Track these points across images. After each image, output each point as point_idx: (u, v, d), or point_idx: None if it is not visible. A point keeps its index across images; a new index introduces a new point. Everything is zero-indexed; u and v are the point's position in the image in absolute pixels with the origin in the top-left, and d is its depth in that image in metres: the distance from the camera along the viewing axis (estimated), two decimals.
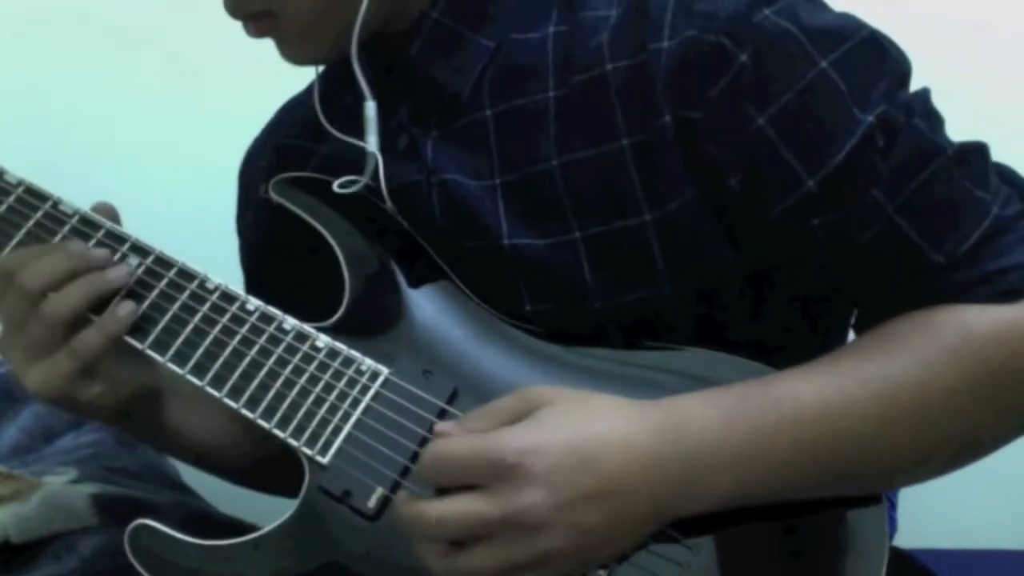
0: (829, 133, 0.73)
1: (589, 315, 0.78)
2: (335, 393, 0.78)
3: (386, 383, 0.78)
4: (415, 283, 0.83)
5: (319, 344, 0.80)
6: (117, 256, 0.82)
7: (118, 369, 0.81)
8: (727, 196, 0.75)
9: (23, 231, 0.83)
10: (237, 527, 1.02)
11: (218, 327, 0.80)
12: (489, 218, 0.80)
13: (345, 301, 0.82)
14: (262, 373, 0.79)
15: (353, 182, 0.85)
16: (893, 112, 0.73)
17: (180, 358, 0.80)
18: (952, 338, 0.71)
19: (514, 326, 0.81)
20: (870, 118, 0.72)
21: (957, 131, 0.76)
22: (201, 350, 0.80)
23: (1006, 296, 0.71)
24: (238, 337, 0.80)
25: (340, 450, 0.77)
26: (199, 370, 0.80)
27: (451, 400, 0.77)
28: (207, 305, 0.81)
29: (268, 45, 0.84)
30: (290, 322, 0.81)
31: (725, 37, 0.74)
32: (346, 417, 0.78)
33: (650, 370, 0.78)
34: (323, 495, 0.77)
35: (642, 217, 0.77)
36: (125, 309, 0.80)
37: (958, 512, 1.42)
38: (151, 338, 0.81)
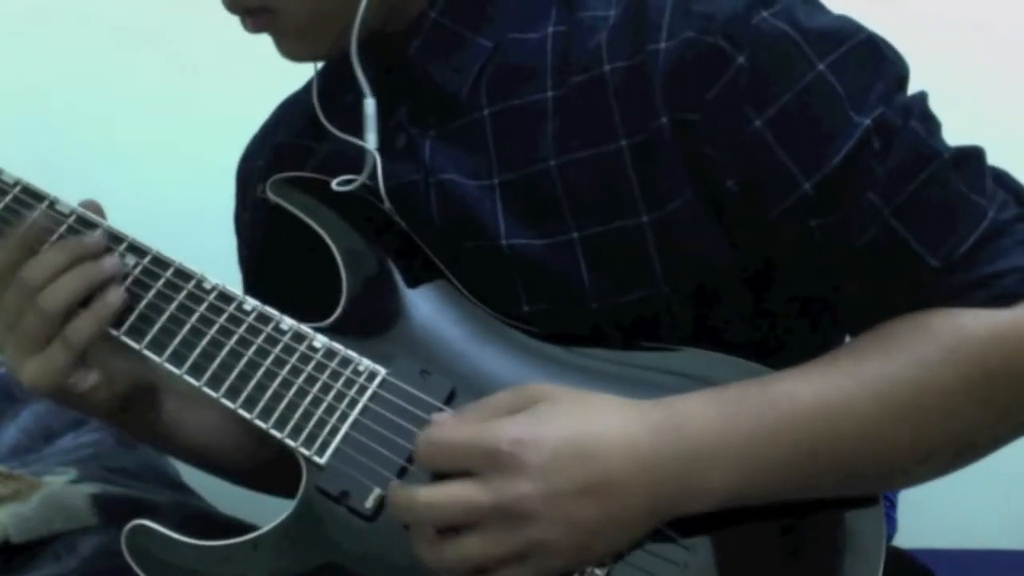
0: (826, 135, 0.73)
1: (587, 315, 0.78)
2: (332, 393, 0.78)
3: (384, 383, 0.78)
4: (413, 283, 0.83)
5: (316, 344, 0.80)
6: (114, 256, 0.82)
7: (115, 364, 0.81)
8: (724, 197, 0.75)
9: (20, 231, 0.83)
10: (237, 527, 1.02)
11: (215, 327, 0.80)
12: (487, 218, 0.80)
13: (342, 301, 0.82)
14: (259, 373, 0.79)
15: (351, 181, 0.85)
16: (890, 115, 0.73)
17: (177, 358, 0.80)
18: (949, 340, 0.71)
19: (512, 326, 0.81)
20: (867, 121, 0.72)
21: (956, 132, 0.76)
22: (198, 350, 0.80)
23: (1002, 300, 0.71)
24: (235, 337, 0.80)
25: (337, 450, 0.77)
26: (196, 370, 0.80)
27: (449, 400, 0.77)
28: (204, 305, 0.81)
29: (268, 45, 0.84)
30: (287, 322, 0.81)
31: (723, 39, 0.74)
32: (343, 417, 0.78)
33: (648, 370, 0.78)
34: (321, 495, 0.77)
35: (640, 218, 0.77)
36: (114, 294, 0.79)
37: (958, 512, 1.42)
38: (148, 338, 0.81)
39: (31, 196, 0.85)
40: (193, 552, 0.78)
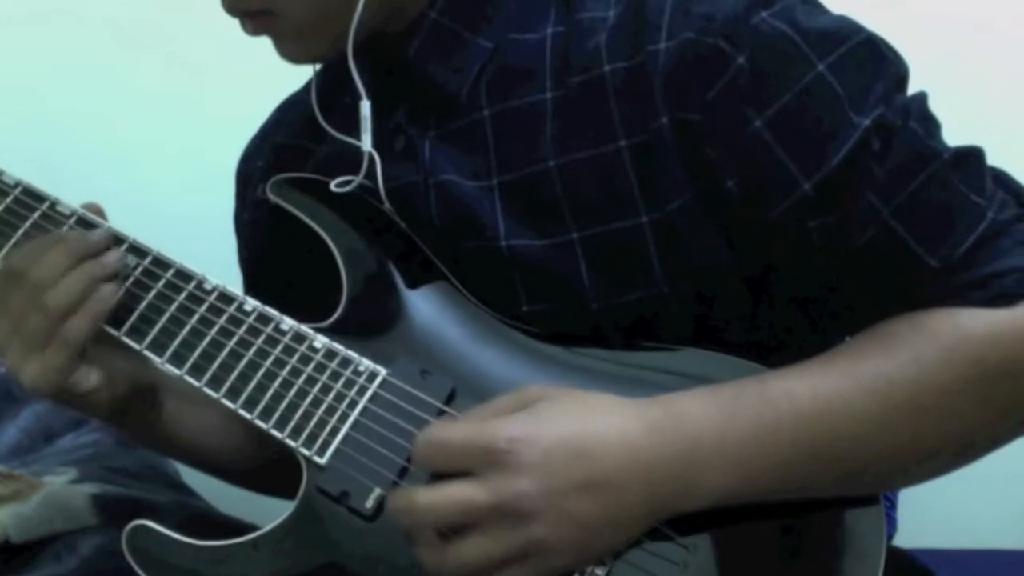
0: (825, 136, 0.73)
1: (587, 315, 0.78)
2: (333, 394, 0.78)
3: (384, 384, 0.78)
4: (413, 284, 0.83)
5: (317, 345, 0.80)
6: (122, 257, 0.82)
7: (116, 365, 0.81)
8: (724, 198, 0.75)
9: (20, 232, 0.84)
10: (237, 527, 1.02)
11: (216, 328, 0.80)
12: (486, 219, 0.81)
13: (343, 302, 0.82)
14: (260, 374, 0.79)
15: (349, 181, 0.85)
16: (889, 116, 0.73)
17: (178, 359, 0.80)
18: (947, 340, 0.71)
19: (512, 326, 0.81)
20: (866, 121, 0.72)
21: (956, 132, 0.76)
22: (199, 351, 0.80)
23: (1001, 300, 0.71)
24: (236, 338, 0.80)
25: (338, 451, 0.77)
26: (197, 371, 0.80)
27: (449, 400, 0.78)
28: (205, 306, 0.81)
29: (268, 45, 0.84)
30: (288, 323, 0.81)
31: (722, 39, 0.74)
32: (344, 418, 0.78)
33: (648, 370, 0.78)
34: (321, 495, 0.77)
35: (639, 218, 0.77)
36: (108, 289, 0.79)
37: (958, 512, 1.41)
38: (149, 339, 0.81)
39: (32, 198, 0.85)
40: (194, 552, 0.78)
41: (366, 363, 0.79)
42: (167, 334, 0.81)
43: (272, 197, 0.86)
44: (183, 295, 0.81)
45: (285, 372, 0.79)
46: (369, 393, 0.78)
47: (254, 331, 0.80)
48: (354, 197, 0.85)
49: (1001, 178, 0.76)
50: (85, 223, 0.83)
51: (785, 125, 0.73)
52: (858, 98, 0.73)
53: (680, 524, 0.72)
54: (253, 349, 0.80)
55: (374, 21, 0.82)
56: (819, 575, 0.75)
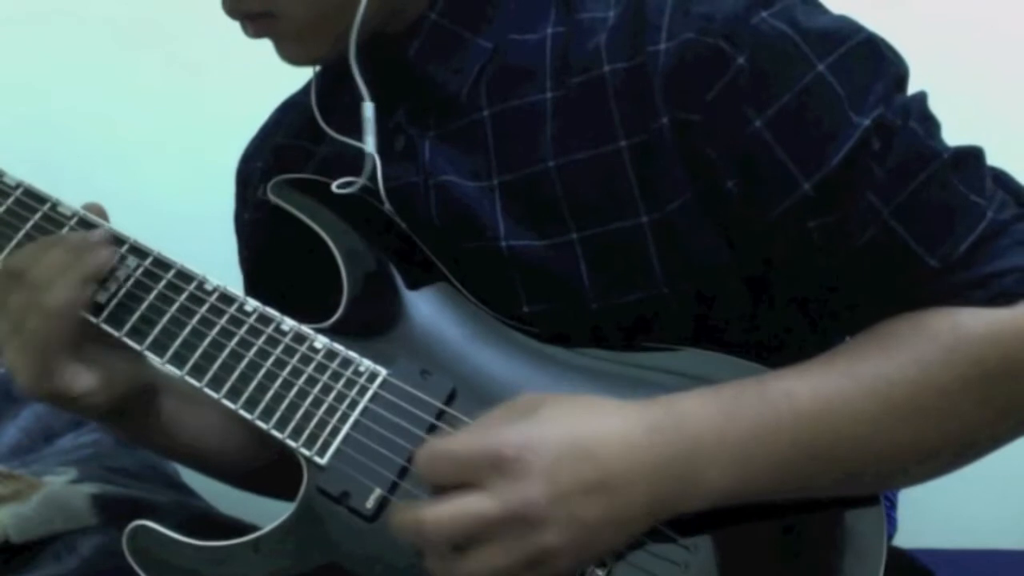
0: (825, 136, 0.73)
1: (587, 316, 0.79)
2: (333, 394, 0.78)
3: (384, 384, 0.78)
4: (413, 284, 0.83)
5: (317, 345, 0.80)
6: (116, 257, 0.82)
7: (114, 364, 0.81)
8: (724, 198, 0.75)
9: (22, 233, 0.84)
10: (237, 527, 1.02)
11: (216, 328, 0.80)
12: (486, 219, 0.81)
13: (343, 302, 0.82)
14: (260, 374, 0.79)
15: (351, 183, 0.85)
16: (889, 116, 0.73)
17: (178, 359, 0.80)
18: (947, 340, 0.71)
19: (512, 327, 0.81)
20: (866, 121, 0.72)
21: (956, 132, 0.76)
22: (199, 351, 0.80)
23: (1001, 299, 0.71)
24: (236, 338, 0.80)
25: (338, 451, 0.77)
26: (197, 371, 0.80)
27: (449, 401, 0.78)
28: (205, 307, 0.81)
29: (268, 45, 0.84)
30: (288, 323, 0.81)
31: (722, 39, 0.74)
32: (344, 418, 0.78)
33: (648, 370, 0.78)
34: (321, 496, 0.77)
35: (639, 218, 0.77)
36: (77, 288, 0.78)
37: (958, 512, 1.41)
38: (149, 339, 0.81)
39: (33, 199, 0.85)
40: (194, 552, 0.78)
41: (366, 363, 0.79)
42: (168, 335, 0.81)
43: (272, 198, 0.86)
44: (184, 296, 0.81)
45: (286, 372, 0.79)
46: (369, 393, 0.78)
47: (255, 332, 0.80)
48: (354, 198, 0.85)
49: (1001, 178, 0.76)
50: (86, 224, 0.84)
51: (785, 125, 0.73)
52: (858, 98, 0.73)
53: (681, 524, 0.72)
54: (254, 350, 0.80)
55: (374, 22, 0.82)
56: (819, 575, 0.75)
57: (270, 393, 0.79)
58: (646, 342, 0.79)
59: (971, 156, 0.75)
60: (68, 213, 0.84)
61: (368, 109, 0.83)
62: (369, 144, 0.84)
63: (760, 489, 0.71)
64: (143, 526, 0.79)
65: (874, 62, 0.75)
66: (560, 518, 0.66)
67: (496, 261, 0.80)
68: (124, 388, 0.82)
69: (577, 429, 0.69)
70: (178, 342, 0.80)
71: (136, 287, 0.82)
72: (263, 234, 0.97)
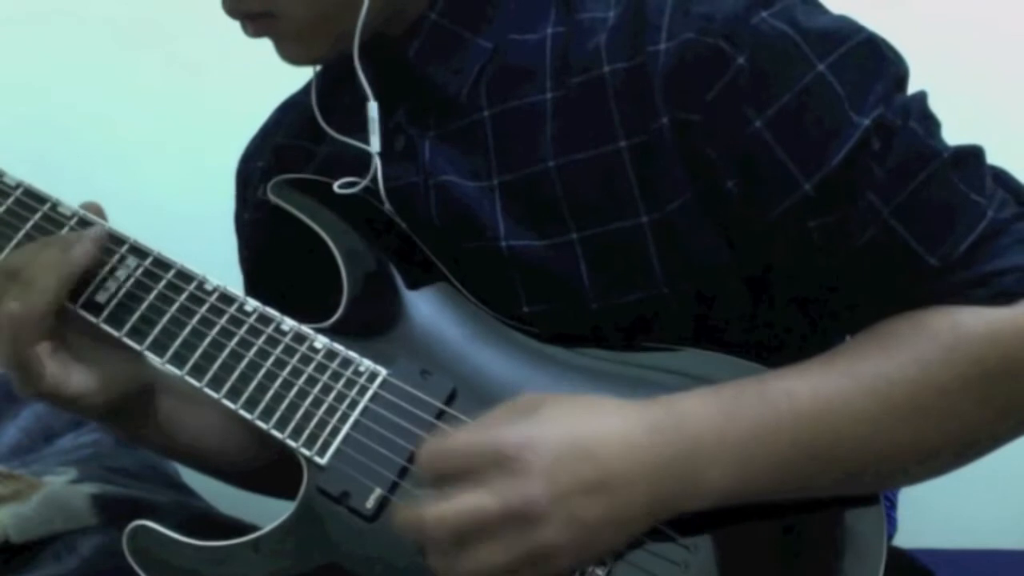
0: (826, 136, 0.73)
1: (587, 316, 0.79)
2: (333, 394, 0.79)
3: (384, 384, 0.78)
4: (413, 284, 0.83)
5: (317, 345, 0.80)
6: (116, 257, 0.82)
7: (113, 364, 0.82)
8: (724, 198, 0.75)
9: (21, 233, 0.84)
10: (237, 527, 1.02)
11: (216, 328, 0.81)
12: (486, 219, 0.81)
13: (343, 302, 0.82)
14: (260, 374, 0.79)
15: (353, 183, 0.85)
16: (889, 115, 0.73)
17: (178, 359, 0.80)
18: (947, 339, 0.71)
19: (512, 327, 0.81)
20: (866, 121, 0.72)
21: (956, 132, 0.76)
22: (199, 351, 0.80)
23: (1001, 298, 0.71)
24: (236, 338, 0.80)
25: (338, 451, 0.77)
26: (197, 371, 0.80)
27: (449, 401, 0.78)
28: (205, 307, 0.81)
29: (268, 45, 0.84)
30: (288, 323, 0.81)
31: (723, 39, 0.74)
32: (344, 418, 0.78)
33: (648, 370, 0.78)
34: (321, 496, 0.77)
35: (639, 218, 0.77)
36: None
37: (958, 512, 1.41)
38: (149, 339, 0.81)
39: (33, 199, 0.85)
40: (194, 553, 0.78)
41: (366, 363, 0.79)
42: (168, 335, 0.81)
43: (273, 198, 0.87)
44: (184, 296, 0.81)
45: (285, 372, 0.79)
46: (369, 393, 0.78)
47: (255, 332, 0.80)
48: (355, 198, 0.85)
49: (1001, 177, 0.76)
50: (86, 224, 0.84)
51: (785, 125, 0.73)
52: (858, 98, 0.73)
53: (681, 524, 0.72)
54: (254, 350, 0.80)
55: (375, 22, 0.82)
56: (819, 575, 0.75)
57: (270, 393, 0.79)
58: (646, 342, 0.79)
59: (971, 155, 0.75)
60: (68, 213, 0.84)
61: (372, 109, 0.84)
62: (374, 144, 0.84)
63: (760, 489, 0.71)
64: (143, 526, 0.79)
65: (874, 62, 0.75)
66: (560, 516, 0.67)
67: (496, 261, 0.80)
68: (123, 388, 0.83)
69: (577, 429, 0.69)
70: (178, 342, 0.80)
71: (136, 287, 0.82)
72: (263, 234, 0.97)
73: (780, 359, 0.75)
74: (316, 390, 0.79)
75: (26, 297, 0.77)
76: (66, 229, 0.83)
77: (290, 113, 0.99)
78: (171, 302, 0.81)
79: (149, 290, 0.82)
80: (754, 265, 0.78)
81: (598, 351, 0.79)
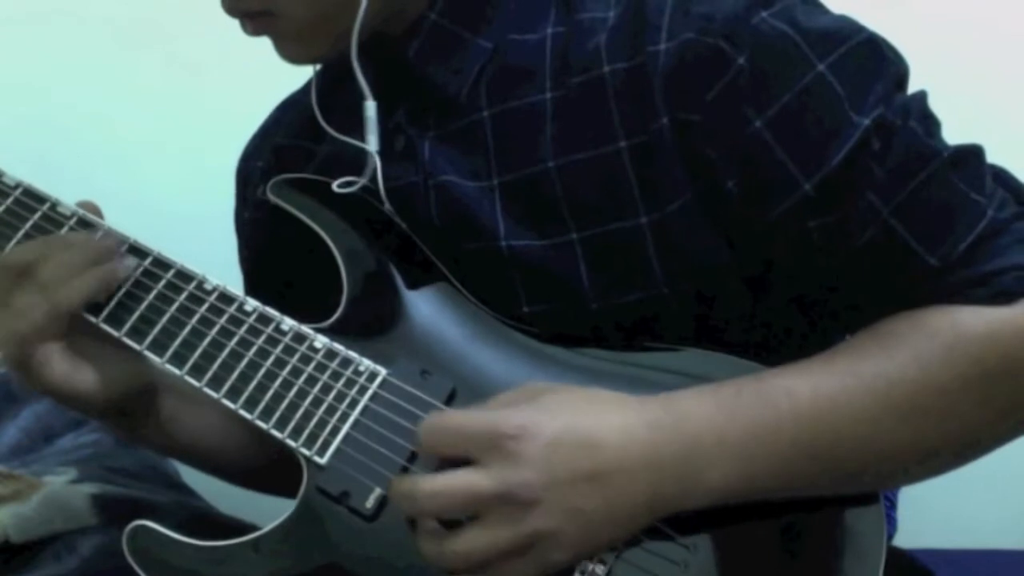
0: (826, 136, 0.73)
1: (587, 316, 0.79)
2: (333, 394, 0.78)
3: (384, 384, 0.78)
4: (413, 284, 0.83)
5: (317, 345, 0.80)
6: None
7: (114, 364, 0.81)
8: (724, 198, 0.75)
9: (21, 233, 0.84)
10: (237, 527, 1.02)
11: (216, 328, 0.80)
12: (486, 219, 0.81)
13: (343, 302, 0.82)
14: (260, 374, 0.79)
15: (352, 183, 0.85)
16: (889, 115, 0.73)
17: (178, 359, 0.80)
18: (947, 338, 0.71)
19: (512, 327, 0.81)
20: (866, 121, 0.72)
21: (956, 132, 0.76)
22: (199, 351, 0.80)
23: (1001, 297, 0.71)
24: (236, 338, 0.80)
25: (338, 451, 0.77)
26: (197, 371, 0.80)
27: (449, 400, 0.78)
28: (205, 306, 0.81)
29: (268, 45, 0.84)
30: (288, 323, 0.81)
31: (723, 40, 0.74)
32: (344, 418, 0.78)
33: (649, 370, 0.78)
34: (321, 496, 0.77)
35: (639, 219, 0.77)
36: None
37: (958, 512, 1.41)
38: (149, 339, 0.81)
39: (32, 199, 0.85)
40: (194, 552, 0.78)
41: (366, 363, 0.79)
42: (167, 334, 0.81)
43: (272, 198, 0.86)
44: (183, 295, 0.81)
45: (285, 372, 0.79)
46: (369, 393, 0.78)
47: (254, 331, 0.80)
48: (354, 198, 0.85)
49: (1001, 176, 0.76)
50: (85, 224, 0.84)
51: (785, 125, 0.73)
52: (858, 98, 0.73)
53: (680, 523, 0.72)
54: (253, 349, 0.80)
55: (374, 22, 0.82)
56: (819, 575, 0.75)
57: (270, 393, 0.79)
58: (646, 342, 0.79)
59: (971, 155, 0.75)
60: (67, 213, 0.84)
61: (370, 108, 0.84)
62: (372, 143, 0.84)
63: (760, 488, 0.71)
64: (143, 526, 0.79)
65: (874, 62, 0.75)
66: (554, 503, 0.67)
67: (496, 261, 0.80)
68: (125, 387, 0.82)
69: (578, 419, 0.69)
70: (178, 342, 0.80)
71: (136, 287, 0.82)
72: (263, 234, 0.97)
73: (780, 359, 0.75)
74: (316, 390, 0.79)
75: (51, 296, 0.77)
76: (65, 229, 0.83)
77: (290, 112, 0.99)
78: (171, 302, 0.81)
79: (149, 290, 0.81)
80: (754, 265, 0.78)
81: (598, 351, 0.79)
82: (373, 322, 0.82)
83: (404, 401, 0.78)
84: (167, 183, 1.52)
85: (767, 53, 0.73)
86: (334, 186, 0.85)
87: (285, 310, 0.81)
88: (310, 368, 0.79)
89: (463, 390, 0.78)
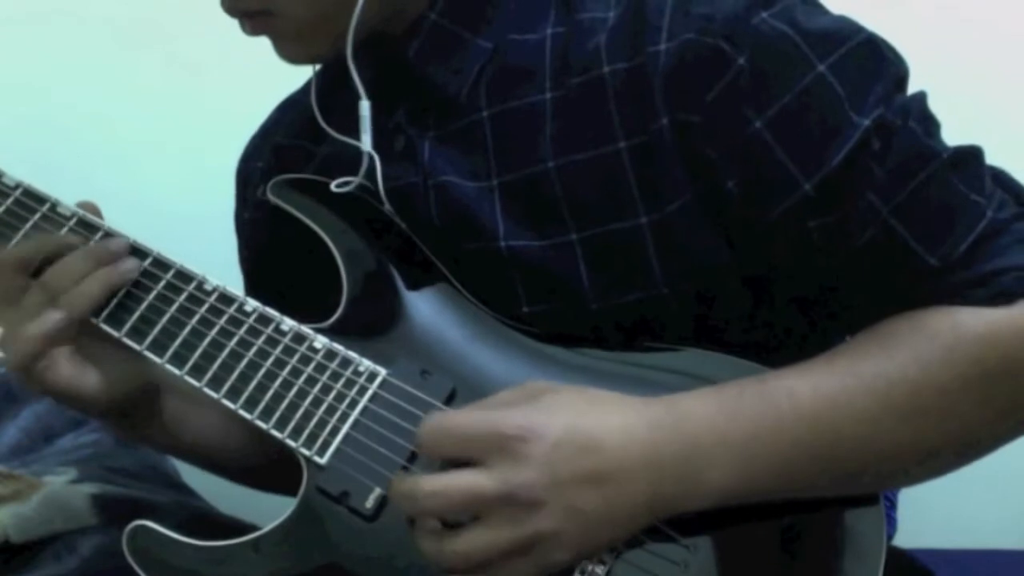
0: (826, 136, 0.73)
1: (586, 316, 0.79)
2: (333, 394, 0.79)
3: (384, 384, 0.78)
4: (413, 284, 0.83)
5: (317, 345, 0.80)
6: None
7: (117, 364, 0.82)
8: (724, 198, 0.75)
9: (21, 233, 0.84)
10: (237, 527, 1.02)
11: (216, 328, 0.81)
12: (486, 220, 0.81)
13: (343, 302, 0.82)
14: (260, 374, 0.79)
15: (348, 182, 0.85)
16: (889, 116, 0.73)
17: (178, 359, 0.80)
18: (947, 339, 0.71)
19: (512, 327, 0.81)
20: (866, 122, 0.72)
21: (956, 132, 0.76)
22: (199, 351, 0.80)
23: (1000, 298, 0.71)
24: (236, 338, 0.80)
25: (338, 451, 0.77)
26: (197, 371, 0.80)
27: (449, 401, 0.78)
28: (205, 307, 0.81)
29: (268, 45, 0.84)
30: (288, 323, 0.81)
31: (723, 40, 0.74)
32: (344, 418, 0.78)
33: (649, 370, 0.78)
34: (321, 495, 0.77)
35: (638, 219, 0.77)
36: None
37: (958, 512, 1.41)
38: (149, 339, 0.81)
39: (32, 199, 0.85)
40: (194, 552, 0.78)
41: (366, 363, 0.79)
42: (167, 335, 0.81)
43: (272, 198, 0.87)
44: (183, 296, 0.81)
45: (285, 372, 0.79)
46: (369, 393, 0.78)
47: (254, 332, 0.80)
48: (354, 198, 0.85)
49: (1000, 177, 0.76)
50: (85, 225, 0.84)
51: (785, 126, 0.73)
52: (858, 98, 0.73)
53: (680, 524, 0.72)
54: (253, 350, 0.80)
55: (374, 22, 0.82)
56: (819, 575, 0.75)
57: (270, 393, 0.79)
58: (646, 342, 0.79)
59: (970, 156, 0.75)
60: (67, 214, 0.84)
61: (364, 108, 0.83)
62: (366, 143, 0.84)
63: (762, 488, 0.71)
64: (143, 526, 0.79)
65: (874, 62, 0.74)
66: (556, 504, 0.67)
67: (496, 261, 0.80)
68: (127, 387, 0.83)
69: (579, 419, 0.69)
70: (178, 342, 0.80)
71: (136, 287, 0.82)
72: (263, 234, 0.97)
73: (780, 359, 0.75)
74: (316, 390, 0.79)
75: (63, 301, 0.78)
76: (65, 229, 0.83)
77: (290, 112, 0.99)
78: (171, 302, 0.81)
79: (149, 290, 0.82)
80: (754, 265, 0.77)
81: (598, 351, 0.79)
82: (373, 322, 0.82)
83: (404, 401, 0.78)
84: (167, 183, 1.52)
85: (767, 53, 0.73)
86: (332, 186, 0.85)
87: (285, 310, 0.81)
88: (310, 368, 0.79)
89: (463, 390, 0.78)
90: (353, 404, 0.78)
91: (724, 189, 0.75)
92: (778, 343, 0.81)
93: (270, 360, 0.80)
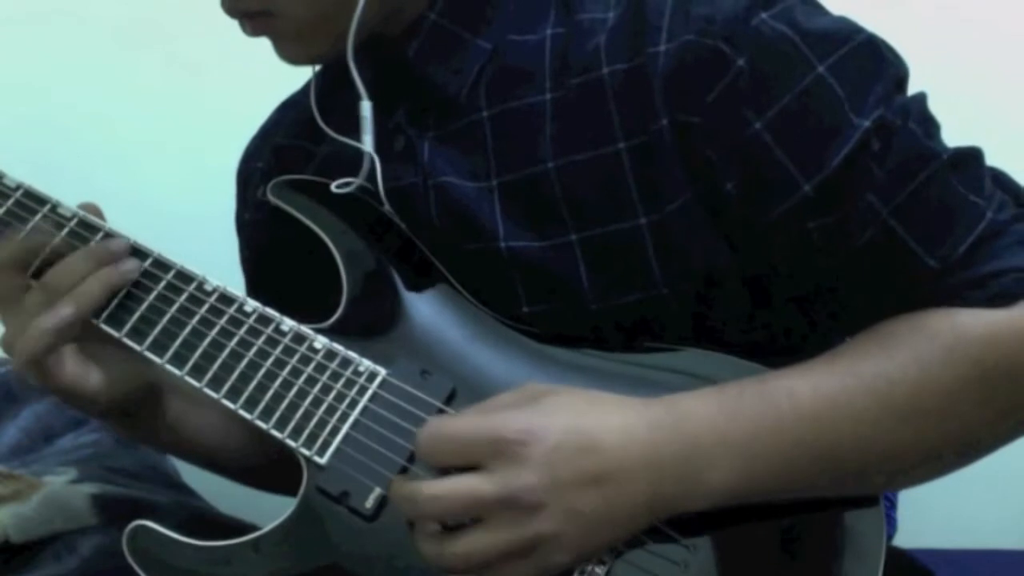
0: (825, 138, 0.73)
1: (586, 316, 0.79)
2: (333, 394, 0.79)
3: (384, 384, 0.79)
4: (413, 285, 0.83)
5: (317, 345, 0.80)
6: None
7: (118, 364, 0.82)
8: (724, 199, 0.75)
9: (22, 235, 0.83)
10: (237, 527, 1.02)
11: (216, 329, 0.81)
12: (485, 220, 0.81)
13: (343, 302, 0.82)
14: (260, 374, 0.79)
15: (348, 183, 0.85)
16: (889, 117, 0.73)
17: (178, 360, 0.80)
18: (947, 340, 0.71)
19: (512, 327, 0.81)
20: (866, 123, 0.72)
21: (956, 132, 0.76)
22: (199, 352, 0.80)
23: (1000, 299, 0.71)
24: (236, 339, 0.80)
25: (338, 450, 0.77)
26: (197, 371, 0.80)
27: (449, 401, 0.78)
28: (205, 307, 0.81)
29: (268, 45, 0.84)
30: (288, 323, 0.81)
31: (722, 41, 0.74)
32: (344, 418, 0.78)
33: (649, 370, 0.78)
34: (321, 495, 0.77)
35: (638, 220, 0.77)
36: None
37: (958, 512, 1.41)
38: (149, 340, 0.81)
39: (33, 200, 0.85)
40: (194, 553, 0.78)
41: (366, 363, 0.79)
42: (168, 335, 0.81)
43: (272, 199, 0.87)
44: (183, 296, 0.81)
45: (285, 372, 0.79)
46: (369, 393, 0.78)
47: (254, 332, 0.80)
48: (354, 198, 0.85)
49: (1000, 178, 0.76)
50: (86, 226, 0.84)
51: (785, 127, 0.73)
52: (858, 99, 0.73)
53: (681, 524, 0.72)
54: (253, 350, 0.80)
55: (373, 22, 0.82)
56: (819, 575, 0.75)
57: (270, 393, 0.79)
58: (646, 342, 0.79)
59: (970, 157, 0.75)
60: (68, 215, 0.84)
61: (366, 108, 0.84)
62: (367, 143, 0.84)
63: (762, 489, 0.72)
64: (143, 526, 0.79)
65: (874, 63, 0.75)
66: (557, 507, 0.67)
67: (496, 262, 0.80)
68: (128, 388, 0.83)
69: (579, 420, 0.69)
70: (178, 342, 0.81)
71: (136, 288, 0.82)
72: (264, 234, 0.97)
73: (779, 359, 0.75)
74: (316, 390, 0.79)
75: (70, 300, 0.78)
76: (66, 231, 0.83)
77: (290, 113, 0.99)
78: (171, 303, 0.81)
79: (149, 291, 0.82)
80: (754, 265, 0.78)
81: (598, 351, 0.79)
82: (373, 322, 0.82)
83: (404, 401, 0.78)
84: (167, 183, 1.51)
85: (767, 55, 0.73)
86: (332, 187, 0.85)
87: (286, 311, 0.81)
88: (310, 368, 0.79)
89: (463, 390, 0.78)
90: (353, 404, 0.78)
91: (724, 190, 0.75)
92: (778, 343, 0.81)
93: (270, 360, 0.80)
